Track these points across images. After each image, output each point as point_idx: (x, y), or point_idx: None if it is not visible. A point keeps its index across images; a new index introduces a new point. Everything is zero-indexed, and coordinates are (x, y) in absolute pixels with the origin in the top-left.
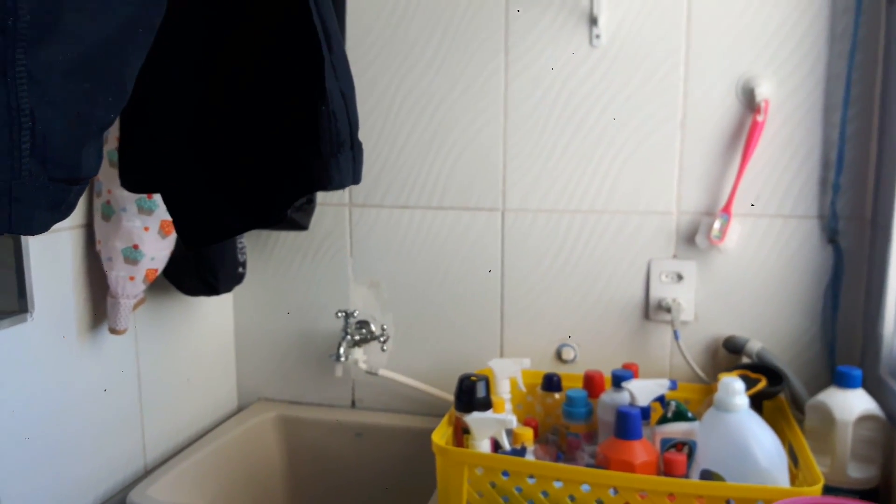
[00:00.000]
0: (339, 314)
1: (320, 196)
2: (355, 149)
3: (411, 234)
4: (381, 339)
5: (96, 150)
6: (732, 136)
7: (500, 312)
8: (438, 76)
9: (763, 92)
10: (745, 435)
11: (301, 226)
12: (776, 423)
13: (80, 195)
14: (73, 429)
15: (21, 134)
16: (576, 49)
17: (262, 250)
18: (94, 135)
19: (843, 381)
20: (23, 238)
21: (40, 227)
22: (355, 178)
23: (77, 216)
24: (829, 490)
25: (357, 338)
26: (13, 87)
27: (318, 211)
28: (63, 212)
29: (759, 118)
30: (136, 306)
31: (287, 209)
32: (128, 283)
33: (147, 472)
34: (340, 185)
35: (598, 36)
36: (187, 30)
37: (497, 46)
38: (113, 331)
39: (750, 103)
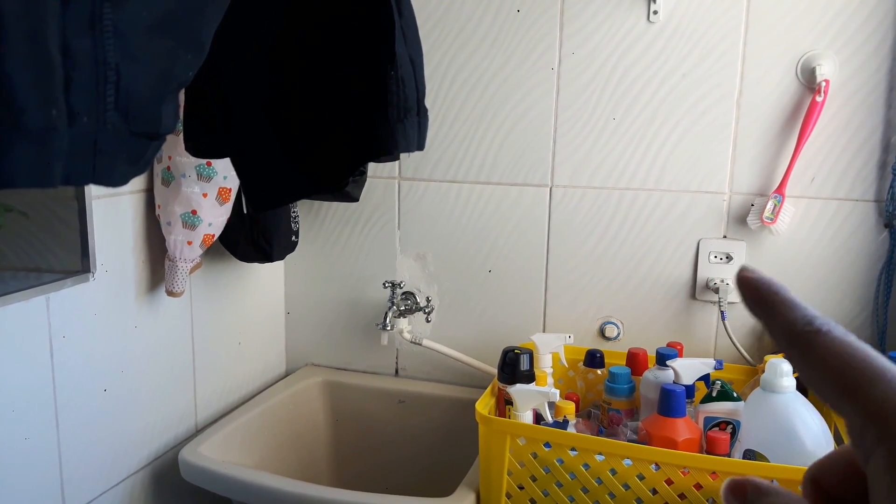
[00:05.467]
0: (386, 284)
1: (370, 169)
2: (421, 115)
3: (458, 208)
4: (426, 310)
5: (174, 107)
6: (790, 116)
7: (543, 288)
8: (492, 51)
9: (824, 72)
10: (791, 416)
11: (352, 197)
12: (822, 407)
13: (157, 151)
14: (130, 385)
15: (106, 87)
16: (633, 25)
17: (313, 220)
18: (173, 92)
19: None
20: (87, 200)
21: (121, 180)
22: (420, 145)
23: (138, 181)
24: None
25: (402, 308)
26: (100, 40)
27: (368, 183)
28: (141, 166)
29: (819, 98)
30: (192, 270)
31: (352, 174)
32: (185, 247)
33: (198, 431)
34: (406, 150)
35: (655, 12)
36: None
37: (552, 22)
38: (170, 293)
39: (810, 83)
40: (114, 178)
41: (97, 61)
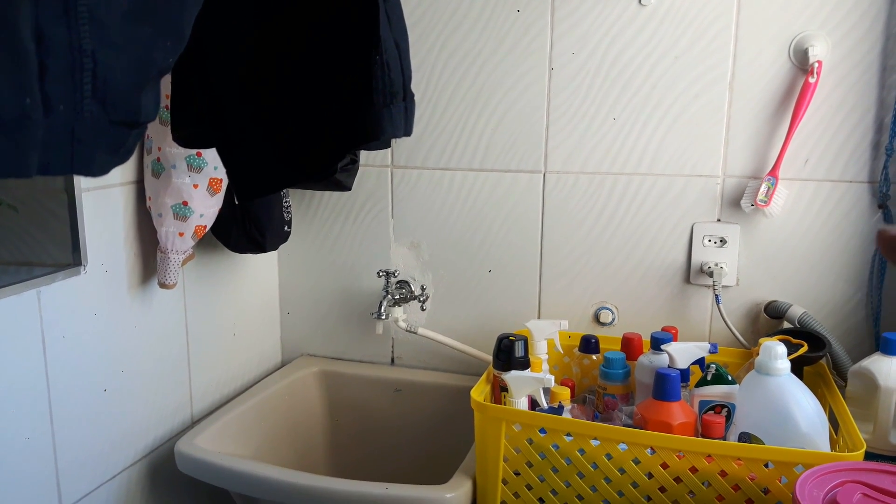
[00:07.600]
0: (381, 274)
1: (363, 157)
2: (408, 100)
3: (452, 195)
4: (421, 298)
5: (154, 95)
6: (783, 98)
7: (538, 274)
8: (483, 37)
9: (817, 52)
10: (785, 399)
11: (344, 186)
12: (816, 389)
13: (138, 139)
14: (124, 379)
15: (83, 75)
16: (624, 8)
17: (306, 210)
18: (153, 79)
19: (889, 348)
20: (76, 192)
21: (100, 169)
22: (407, 130)
23: (128, 172)
24: (870, 456)
25: (397, 297)
26: (75, 27)
27: (361, 172)
28: (122, 155)
29: (812, 79)
30: (184, 262)
31: (339, 160)
32: (177, 238)
33: (194, 423)
34: (392, 136)
35: None
36: None
37: (543, 7)
38: (162, 285)
39: (802, 64)
40: (94, 168)
41: (73, 48)
